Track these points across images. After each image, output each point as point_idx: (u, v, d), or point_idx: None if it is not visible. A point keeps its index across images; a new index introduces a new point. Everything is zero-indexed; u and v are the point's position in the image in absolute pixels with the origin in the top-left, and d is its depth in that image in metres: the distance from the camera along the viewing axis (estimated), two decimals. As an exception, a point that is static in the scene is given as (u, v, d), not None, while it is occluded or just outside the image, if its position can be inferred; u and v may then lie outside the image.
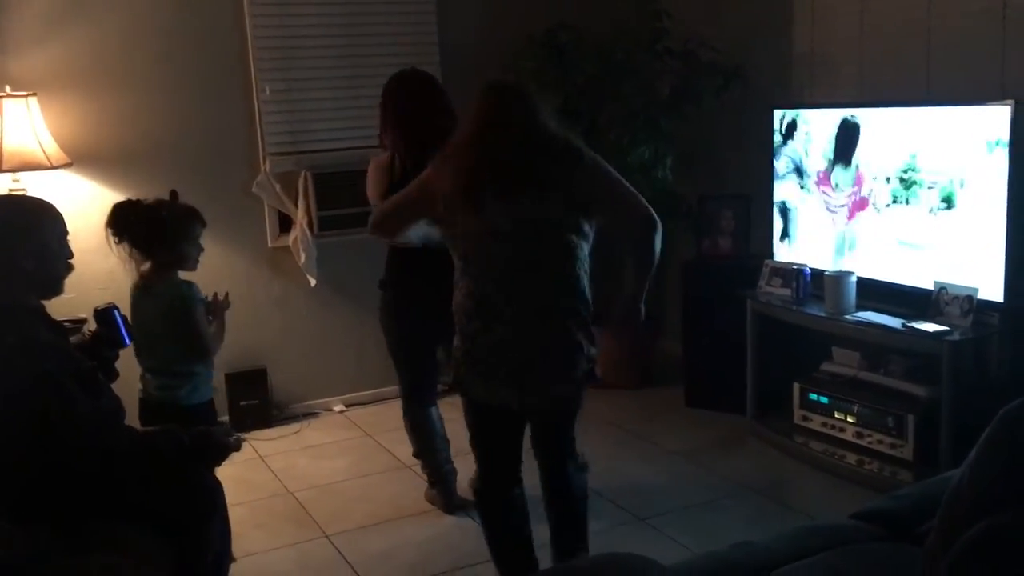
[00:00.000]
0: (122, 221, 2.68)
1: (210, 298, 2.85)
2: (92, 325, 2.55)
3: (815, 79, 4.04)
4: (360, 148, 4.22)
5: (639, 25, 4.31)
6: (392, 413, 3.74)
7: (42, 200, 2.33)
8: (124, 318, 2.51)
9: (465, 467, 3.17)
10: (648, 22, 4.31)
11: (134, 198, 2.75)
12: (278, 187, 4.20)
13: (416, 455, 3.43)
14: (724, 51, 4.13)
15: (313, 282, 4.29)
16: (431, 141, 2.68)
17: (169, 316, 2.72)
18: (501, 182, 2.34)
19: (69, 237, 2.28)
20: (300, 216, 4.24)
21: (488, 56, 4.19)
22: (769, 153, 3.91)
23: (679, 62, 4.23)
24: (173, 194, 2.80)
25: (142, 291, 2.75)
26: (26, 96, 3.60)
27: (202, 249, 2.80)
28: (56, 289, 2.25)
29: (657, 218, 2.45)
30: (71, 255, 2.27)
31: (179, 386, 2.75)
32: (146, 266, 2.74)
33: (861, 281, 3.50)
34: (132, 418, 2.46)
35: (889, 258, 3.46)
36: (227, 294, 2.90)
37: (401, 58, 4.18)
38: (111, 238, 2.67)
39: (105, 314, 2.49)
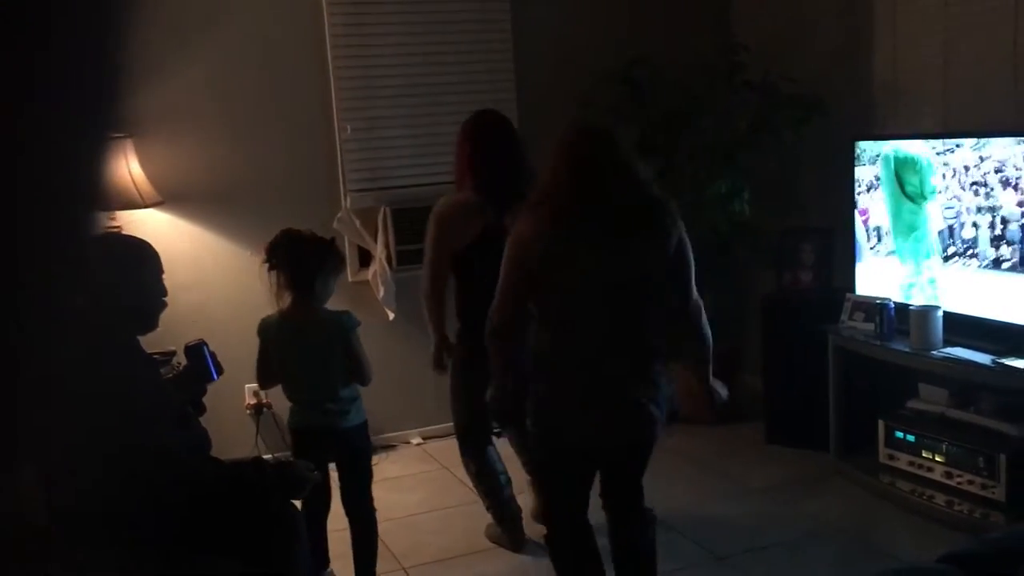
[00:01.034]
0: (288, 249, 2.79)
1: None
2: (182, 359, 2.63)
3: (898, 110, 3.97)
4: (437, 184, 4.29)
5: (716, 59, 4.31)
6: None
7: (139, 239, 2.43)
8: (212, 354, 2.59)
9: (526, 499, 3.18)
10: (726, 55, 4.30)
11: (293, 229, 2.85)
12: (358, 223, 4.30)
13: (482, 496, 3.41)
14: (803, 83, 4.09)
15: (392, 316, 4.36)
16: (516, 186, 2.73)
17: (334, 345, 2.83)
18: (606, 222, 2.33)
19: (163, 274, 2.37)
20: (379, 251, 4.32)
21: (565, 92, 4.23)
22: (851, 186, 3.85)
23: (757, 95, 4.21)
24: (311, 232, 2.88)
25: (294, 326, 2.83)
26: (122, 138, 3.76)
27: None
28: (152, 325, 2.33)
29: (701, 302, 2.51)
30: (166, 292, 2.35)
31: (345, 411, 2.87)
32: (287, 299, 2.82)
33: (948, 316, 3.40)
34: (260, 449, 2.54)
35: (978, 292, 3.36)
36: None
37: (478, 95, 4.26)
38: (267, 263, 2.77)
39: (195, 350, 2.57)
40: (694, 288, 2.50)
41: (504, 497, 3.34)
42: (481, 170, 3.05)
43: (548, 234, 2.32)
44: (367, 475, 3.02)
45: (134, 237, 2.52)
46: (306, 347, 2.86)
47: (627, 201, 2.36)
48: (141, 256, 2.32)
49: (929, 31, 3.79)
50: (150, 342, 2.46)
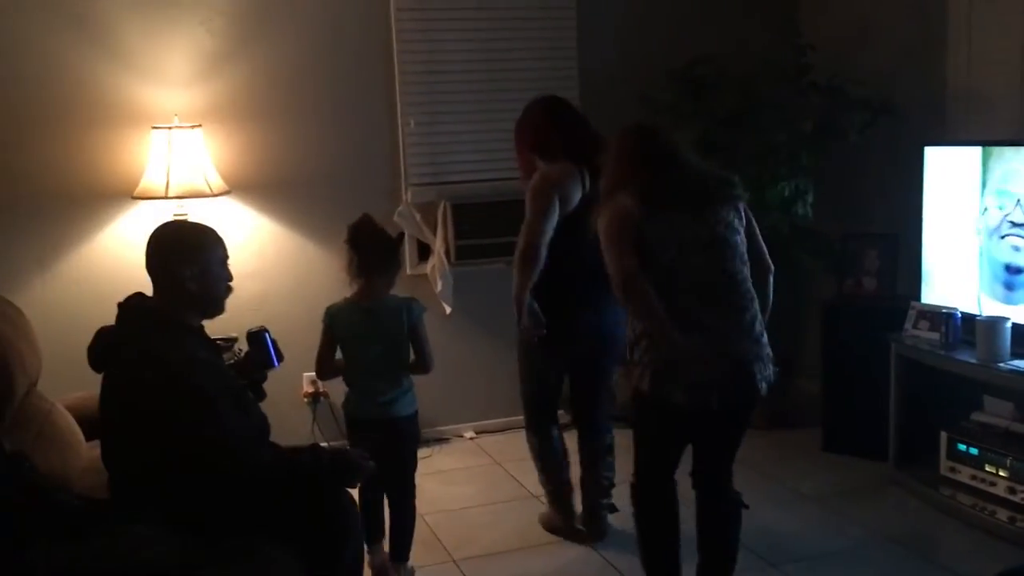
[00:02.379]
0: (369, 233, 2.95)
1: None
2: (244, 346, 2.68)
3: (971, 115, 3.87)
4: (498, 180, 4.32)
5: (782, 58, 4.25)
6: (522, 442, 3.76)
7: (204, 225, 2.48)
8: (274, 341, 2.63)
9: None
10: (791, 56, 4.24)
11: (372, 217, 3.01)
12: (418, 216, 4.33)
13: (540, 472, 3.45)
14: (872, 85, 4.01)
15: (448, 310, 4.38)
16: (596, 158, 2.87)
17: (401, 330, 2.94)
18: (687, 200, 2.54)
19: (228, 260, 2.42)
20: (438, 245, 4.35)
21: (627, 89, 4.21)
22: (919, 191, 3.76)
23: (824, 97, 4.14)
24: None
25: (364, 310, 2.94)
26: (192, 127, 3.85)
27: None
28: (217, 309, 2.38)
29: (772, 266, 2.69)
30: (231, 278, 2.40)
31: (395, 400, 2.96)
32: (356, 285, 2.94)
33: (1016, 327, 3.31)
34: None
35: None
36: None
37: (541, 91, 4.25)
38: (348, 241, 2.92)
39: (257, 336, 2.62)
40: (766, 250, 2.69)
41: (563, 477, 3.40)
42: (570, 143, 3.17)
43: (642, 211, 2.49)
44: (411, 463, 3.09)
45: (197, 223, 2.57)
46: (374, 332, 2.93)
47: (701, 177, 2.61)
48: (204, 241, 2.37)
49: (1006, 32, 3.69)
50: (212, 328, 2.51)
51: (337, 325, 2.96)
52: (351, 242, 2.93)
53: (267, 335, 2.61)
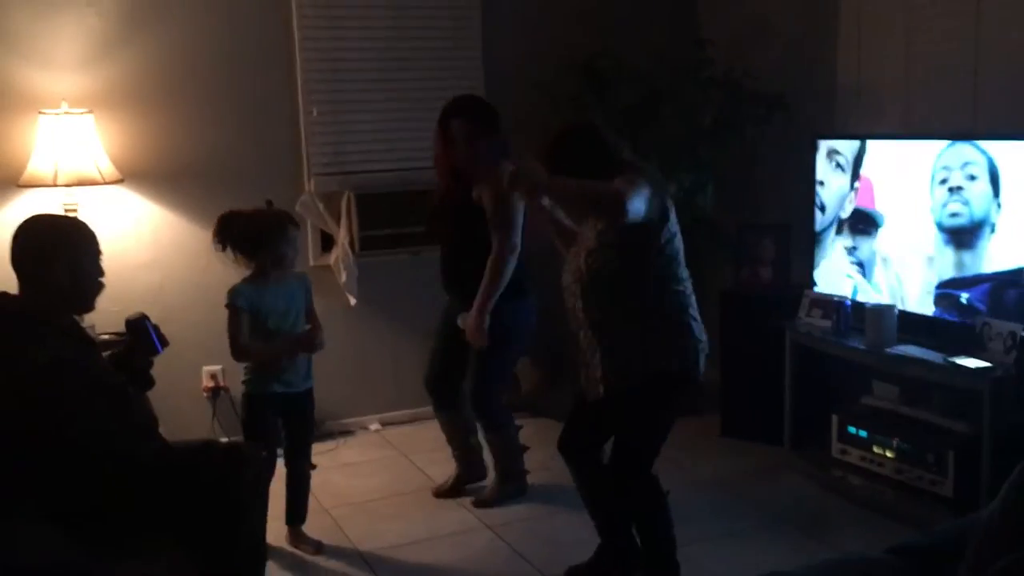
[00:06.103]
0: (224, 230, 3.03)
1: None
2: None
3: (860, 110, 4.02)
4: (402, 170, 4.29)
5: (681, 53, 4.33)
6: (427, 434, 3.76)
7: (76, 220, 2.41)
8: (155, 327, 2.54)
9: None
10: (690, 51, 4.32)
11: (234, 208, 3.08)
12: (321, 206, 4.27)
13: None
14: (767, 80, 4.13)
15: (353, 301, 4.34)
16: None
17: None
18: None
19: (109, 256, 2.33)
20: (342, 236, 4.29)
21: (530, 82, 4.24)
22: (812, 183, 3.89)
23: (721, 91, 4.24)
24: (268, 203, 3.14)
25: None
26: (82, 113, 3.70)
27: (297, 251, 3.17)
28: (87, 306, 2.31)
29: None
30: (102, 274, 2.32)
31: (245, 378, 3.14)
32: (252, 268, 3.08)
33: (903, 314, 3.46)
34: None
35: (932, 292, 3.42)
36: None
37: (446, 82, 4.24)
38: (216, 246, 3.03)
39: (136, 324, 2.53)
40: None
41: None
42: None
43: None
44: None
45: (69, 218, 2.48)
46: None
47: None
48: (75, 236, 2.29)
49: (891, 31, 3.84)
50: (105, 323, 2.43)
51: None
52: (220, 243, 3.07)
53: (147, 321, 2.53)
